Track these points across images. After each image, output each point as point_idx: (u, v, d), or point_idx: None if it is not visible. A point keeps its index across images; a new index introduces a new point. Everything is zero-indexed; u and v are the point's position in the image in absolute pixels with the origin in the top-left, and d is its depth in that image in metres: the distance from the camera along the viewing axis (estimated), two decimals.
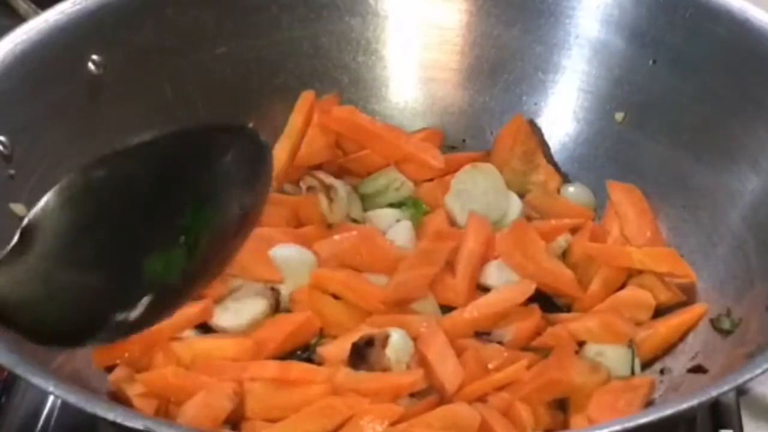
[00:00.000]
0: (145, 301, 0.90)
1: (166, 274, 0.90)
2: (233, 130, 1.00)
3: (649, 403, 1.27)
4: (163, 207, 0.89)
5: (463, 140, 1.59)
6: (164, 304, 0.93)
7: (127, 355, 1.27)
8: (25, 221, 0.89)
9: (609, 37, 1.51)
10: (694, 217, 1.42)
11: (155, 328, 1.19)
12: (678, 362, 1.31)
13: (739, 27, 1.42)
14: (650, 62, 1.49)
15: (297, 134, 1.51)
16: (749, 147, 1.38)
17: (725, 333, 1.29)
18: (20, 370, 1.04)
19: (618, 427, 1.03)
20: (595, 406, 1.25)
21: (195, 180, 0.90)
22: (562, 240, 1.43)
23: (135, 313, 0.90)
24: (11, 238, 1.25)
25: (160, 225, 0.89)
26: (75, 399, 1.04)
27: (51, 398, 1.33)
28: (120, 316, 0.90)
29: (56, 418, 1.33)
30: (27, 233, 0.88)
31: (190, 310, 1.29)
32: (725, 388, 1.07)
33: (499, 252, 1.37)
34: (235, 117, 1.53)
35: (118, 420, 1.00)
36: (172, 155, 0.91)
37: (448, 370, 1.25)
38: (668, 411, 1.06)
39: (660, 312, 1.37)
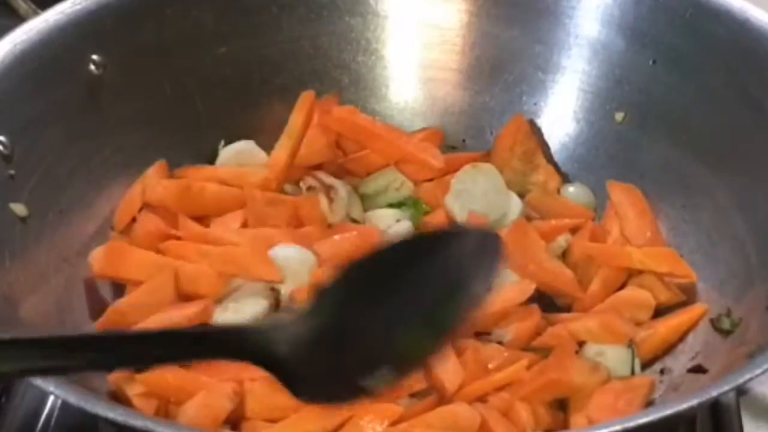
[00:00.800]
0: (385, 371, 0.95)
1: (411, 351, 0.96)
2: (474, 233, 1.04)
3: (649, 403, 1.27)
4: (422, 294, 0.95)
5: (463, 140, 1.59)
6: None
7: None
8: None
9: (609, 37, 1.51)
10: (694, 217, 1.42)
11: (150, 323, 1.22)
12: (678, 362, 1.31)
13: (739, 27, 1.41)
14: (650, 62, 1.49)
15: (297, 134, 1.50)
16: (749, 147, 1.38)
17: (725, 333, 1.29)
18: None
19: (618, 427, 1.04)
20: (595, 406, 1.26)
21: (446, 272, 0.96)
22: (562, 240, 1.43)
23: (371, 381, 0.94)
24: (11, 239, 1.28)
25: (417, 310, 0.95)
26: (75, 399, 1.04)
27: (51, 399, 1.33)
28: (362, 381, 0.94)
29: (56, 419, 1.33)
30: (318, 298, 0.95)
31: (189, 310, 1.29)
32: (725, 388, 1.07)
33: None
34: (235, 117, 1.54)
35: (119, 419, 1.01)
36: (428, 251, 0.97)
37: (448, 370, 1.24)
38: (668, 411, 1.06)
39: (660, 312, 1.37)
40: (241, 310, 1.33)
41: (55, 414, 1.33)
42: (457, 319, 0.95)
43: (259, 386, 1.23)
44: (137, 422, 1.01)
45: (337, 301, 0.93)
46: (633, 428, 1.03)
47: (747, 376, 1.09)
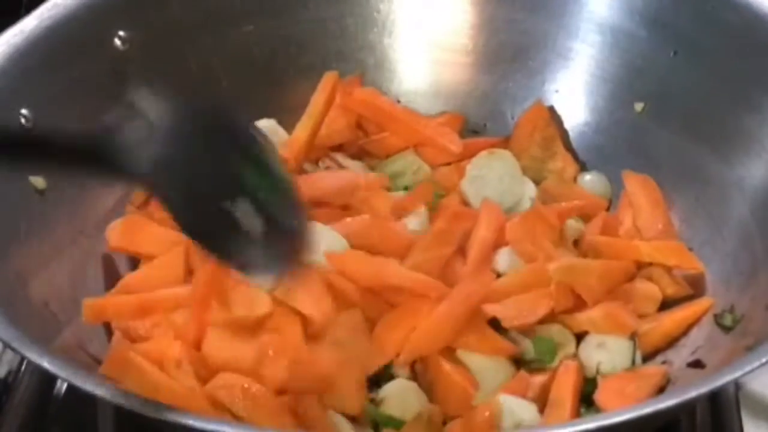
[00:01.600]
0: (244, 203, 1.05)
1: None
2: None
3: (660, 392, 1.27)
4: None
5: (484, 124, 1.60)
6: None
7: (116, 313, 1.31)
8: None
9: (631, 27, 1.51)
10: (706, 210, 1.43)
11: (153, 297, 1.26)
12: (679, 356, 1.32)
13: (760, 20, 1.41)
14: (671, 54, 1.49)
15: (318, 114, 1.52)
16: (764, 141, 1.38)
17: (727, 329, 1.30)
18: (16, 345, 1.08)
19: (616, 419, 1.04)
20: (604, 392, 1.26)
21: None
22: (574, 227, 1.44)
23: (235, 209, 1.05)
24: (29, 211, 1.30)
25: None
26: (66, 374, 1.07)
27: (52, 398, 1.37)
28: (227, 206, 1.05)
29: (57, 418, 1.36)
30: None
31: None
32: (726, 379, 1.08)
33: (509, 240, 1.38)
34: (258, 95, 1.56)
35: (108, 397, 1.03)
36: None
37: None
38: (668, 402, 1.06)
39: (666, 304, 1.37)
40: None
41: (56, 414, 1.36)
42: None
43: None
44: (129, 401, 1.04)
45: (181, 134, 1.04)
46: (637, 418, 1.04)
47: (747, 369, 1.09)
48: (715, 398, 1.31)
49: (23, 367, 1.39)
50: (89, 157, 1.03)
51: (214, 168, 1.05)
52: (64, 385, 1.38)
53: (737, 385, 1.32)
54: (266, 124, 1.53)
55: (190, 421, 1.02)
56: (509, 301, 1.30)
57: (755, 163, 1.39)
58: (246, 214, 1.04)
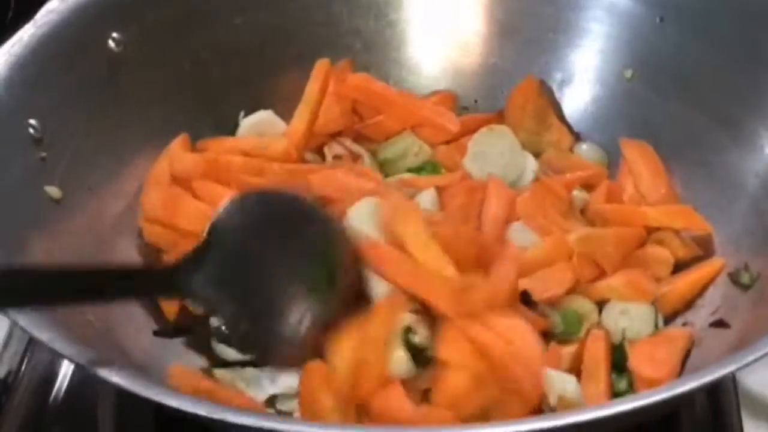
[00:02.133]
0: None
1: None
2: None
3: (687, 355, 1.30)
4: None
5: (475, 101, 1.62)
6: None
7: None
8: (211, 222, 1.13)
9: None
10: (707, 173, 1.45)
11: None
12: (699, 317, 1.35)
13: None
14: (657, 20, 1.51)
15: (315, 102, 1.53)
16: (760, 103, 1.41)
17: (744, 287, 1.33)
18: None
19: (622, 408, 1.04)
20: (637, 358, 1.28)
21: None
22: (579, 197, 1.46)
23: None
24: (47, 220, 1.30)
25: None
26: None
27: (52, 397, 1.37)
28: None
29: (57, 418, 1.36)
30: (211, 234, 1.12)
31: None
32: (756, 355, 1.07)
33: (521, 214, 1.40)
34: (253, 87, 1.56)
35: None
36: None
37: None
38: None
39: (678, 267, 1.40)
40: None
41: (56, 414, 1.36)
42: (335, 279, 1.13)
43: None
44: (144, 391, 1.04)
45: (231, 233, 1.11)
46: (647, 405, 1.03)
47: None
48: (714, 397, 1.33)
49: (23, 368, 1.40)
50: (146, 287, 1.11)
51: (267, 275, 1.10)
52: (65, 385, 1.39)
53: (736, 383, 1.34)
54: (264, 116, 1.54)
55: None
56: (536, 275, 1.33)
57: (753, 125, 1.41)
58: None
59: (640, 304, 1.34)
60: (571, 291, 1.35)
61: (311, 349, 1.16)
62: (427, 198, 1.43)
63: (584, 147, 1.56)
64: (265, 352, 1.18)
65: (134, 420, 1.33)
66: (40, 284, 1.04)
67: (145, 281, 1.15)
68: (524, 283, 1.31)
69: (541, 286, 1.32)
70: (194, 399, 1.02)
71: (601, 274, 1.36)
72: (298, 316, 1.13)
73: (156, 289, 1.17)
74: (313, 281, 1.14)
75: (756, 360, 1.05)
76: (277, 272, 1.13)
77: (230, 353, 1.33)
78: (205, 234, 1.17)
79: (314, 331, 1.14)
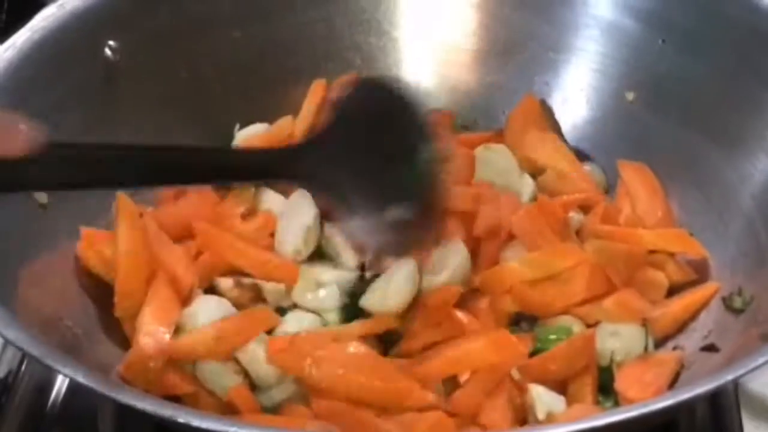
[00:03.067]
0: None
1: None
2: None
3: (676, 378, 1.28)
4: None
5: (475, 120, 1.61)
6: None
7: None
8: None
9: (619, 16, 1.53)
10: (705, 196, 1.44)
11: None
12: (691, 341, 1.33)
13: (748, 6, 1.43)
14: (660, 42, 1.50)
15: (309, 122, 1.52)
16: (759, 127, 1.40)
17: (737, 312, 1.31)
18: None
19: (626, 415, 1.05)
20: (623, 381, 1.27)
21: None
22: (575, 219, 1.44)
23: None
24: (36, 227, 1.29)
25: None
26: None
27: (51, 398, 1.37)
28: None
29: (57, 418, 1.36)
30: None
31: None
32: (742, 371, 1.08)
33: (517, 233, 1.38)
34: (250, 99, 1.55)
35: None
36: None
37: None
38: (687, 395, 1.07)
39: (672, 291, 1.39)
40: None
41: (56, 414, 1.36)
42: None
43: None
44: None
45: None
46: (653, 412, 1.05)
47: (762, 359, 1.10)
48: (715, 398, 1.32)
49: (23, 368, 1.39)
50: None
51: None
52: (64, 386, 1.39)
53: (737, 384, 1.33)
54: (259, 129, 1.53)
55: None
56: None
57: (751, 148, 1.40)
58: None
59: (631, 325, 1.32)
60: (562, 312, 1.33)
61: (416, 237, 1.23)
62: None
63: (585, 168, 1.54)
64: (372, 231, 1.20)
65: (134, 420, 1.31)
66: (176, 161, 1.12)
67: (268, 161, 1.19)
68: None
69: None
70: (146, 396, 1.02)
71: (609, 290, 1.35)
72: (407, 200, 1.17)
73: (276, 170, 1.19)
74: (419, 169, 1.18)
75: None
76: (389, 155, 1.17)
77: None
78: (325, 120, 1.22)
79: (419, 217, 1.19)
